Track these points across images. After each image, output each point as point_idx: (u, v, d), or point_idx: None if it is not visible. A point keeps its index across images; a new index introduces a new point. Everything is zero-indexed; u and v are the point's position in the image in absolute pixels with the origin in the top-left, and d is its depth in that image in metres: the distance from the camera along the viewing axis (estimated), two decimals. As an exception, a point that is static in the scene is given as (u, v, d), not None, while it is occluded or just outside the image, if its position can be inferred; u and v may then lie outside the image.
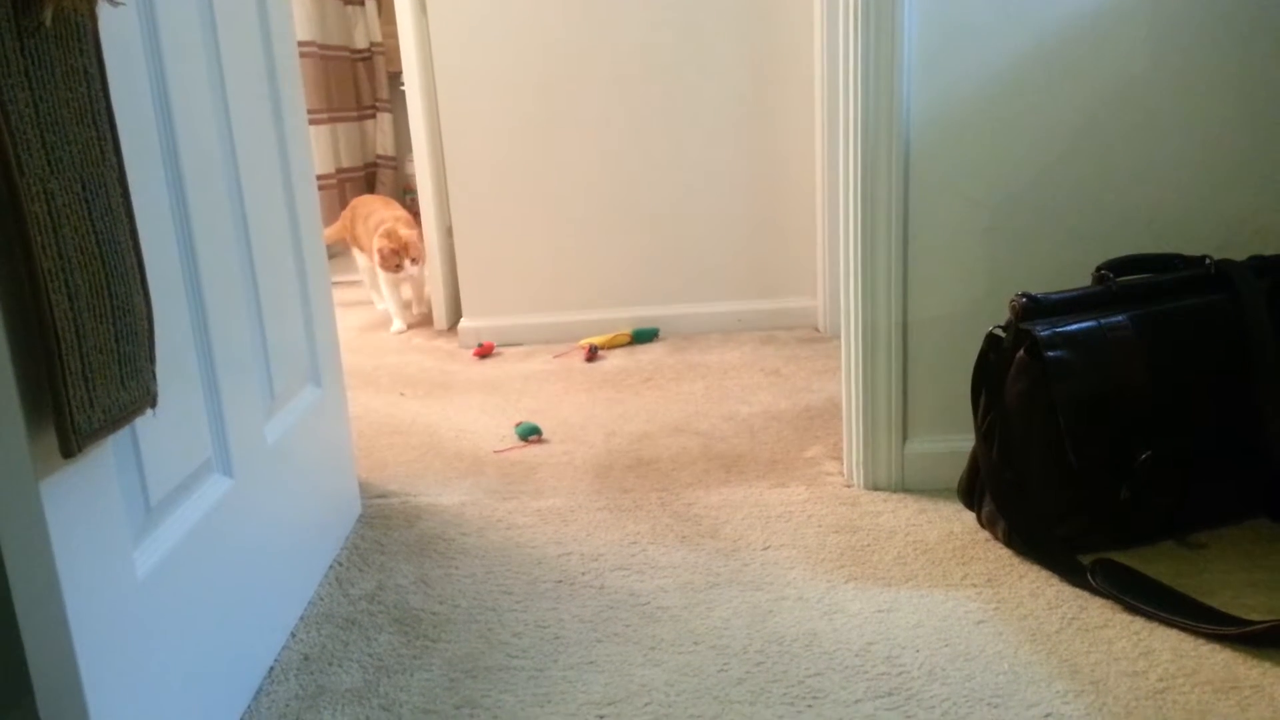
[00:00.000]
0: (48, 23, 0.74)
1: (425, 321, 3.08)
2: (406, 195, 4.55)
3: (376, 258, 2.93)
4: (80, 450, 0.80)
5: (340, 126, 4.30)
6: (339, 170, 4.28)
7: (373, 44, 4.46)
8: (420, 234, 2.95)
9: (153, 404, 0.92)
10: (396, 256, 2.91)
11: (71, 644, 0.84)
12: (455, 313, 3.06)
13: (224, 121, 1.24)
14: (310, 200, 1.54)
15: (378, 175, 4.60)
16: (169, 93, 1.07)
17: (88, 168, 0.81)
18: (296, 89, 1.50)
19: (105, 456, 0.90)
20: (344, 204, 4.28)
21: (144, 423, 0.98)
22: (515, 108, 2.72)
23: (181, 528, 1.05)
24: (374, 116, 4.55)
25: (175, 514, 1.06)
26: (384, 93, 4.53)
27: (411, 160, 4.03)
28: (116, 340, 0.84)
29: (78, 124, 0.80)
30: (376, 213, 3.05)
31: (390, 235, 2.93)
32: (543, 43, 2.68)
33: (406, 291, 3.14)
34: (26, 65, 0.74)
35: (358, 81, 4.46)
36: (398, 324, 2.99)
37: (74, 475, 0.85)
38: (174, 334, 1.06)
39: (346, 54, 4.37)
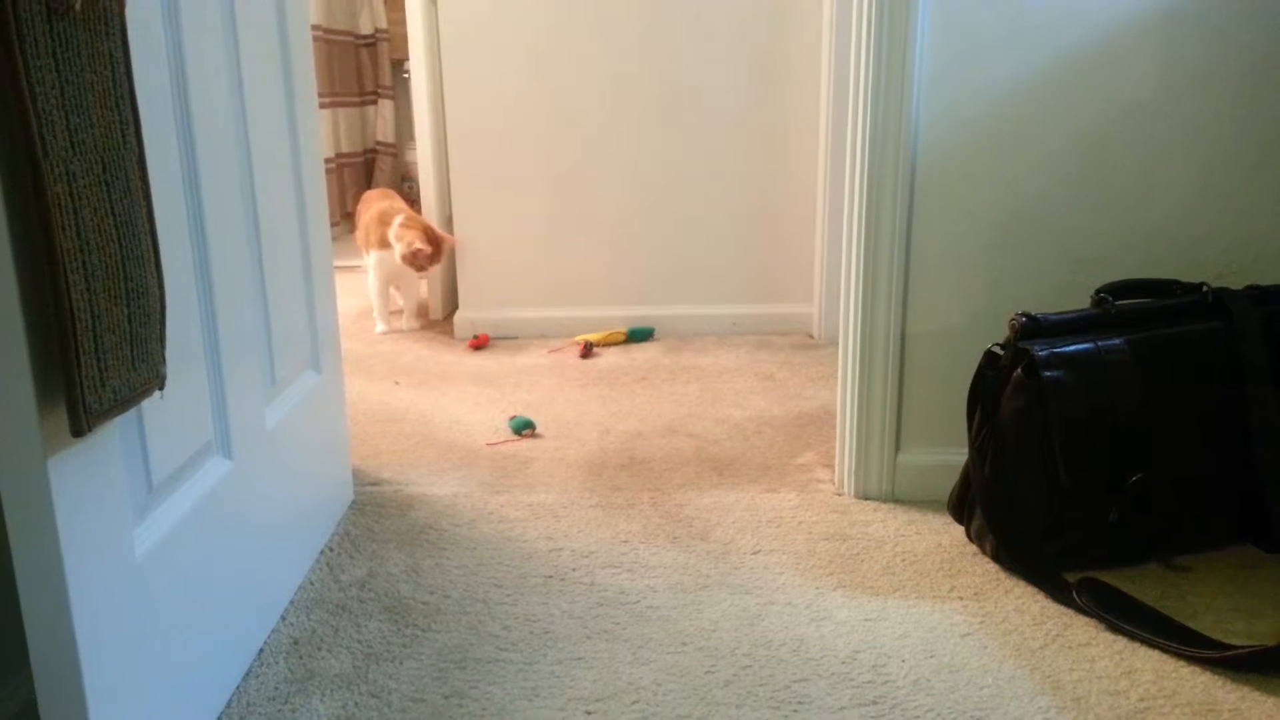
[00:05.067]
0: (77, 7, 0.75)
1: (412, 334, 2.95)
2: (405, 183, 4.55)
3: (400, 248, 2.74)
4: (90, 430, 0.81)
5: (341, 111, 4.30)
6: (338, 155, 4.27)
7: (377, 30, 4.45)
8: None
9: (161, 386, 0.92)
10: (431, 260, 2.77)
11: (70, 619, 0.85)
12: (451, 303, 3.06)
13: (238, 107, 1.24)
14: (318, 185, 1.54)
15: (377, 162, 4.59)
16: (187, 78, 1.07)
17: (109, 151, 0.82)
18: (309, 77, 1.50)
19: (111, 436, 0.91)
20: (341, 188, 4.28)
21: (149, 403, 0.98)
22: (519, 101, 2.72)
23: (181, 509, 1.06)
24: (375, 103, 4.55)
25: (175, 495, 1.06)
26: (386, 79, 4.52)
27: (412, 148, 4.01)
28: (129, 322, 0.85)
29: (101, 107, 0.81)
30: (375, 204, 3.00)
31: (427, 232, 2.76)
32: (549, 39, 2.68)
33: (397, 301, 3.00)
34: (54, 47, 0.75)
35: (360, 67, 4.45)
36: (381, 326, 2.89)
37: (81, 454, 0.86)
38: (181, 316, 1.06)
39: (351, 39, 4.36)
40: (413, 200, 3.73)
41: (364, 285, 3.16)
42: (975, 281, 1.60)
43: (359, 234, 3.03)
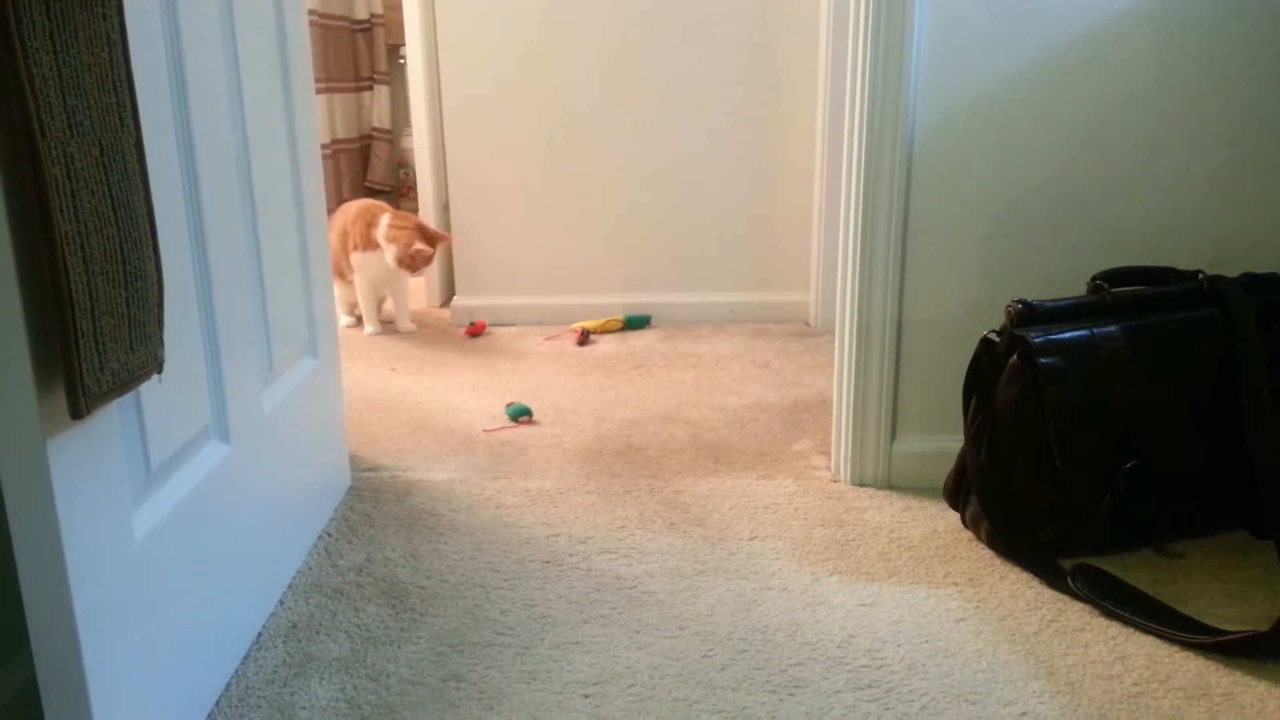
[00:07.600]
0: (76, -13, 0.75)
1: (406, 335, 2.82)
2: (401, 169, 4.53)
3: (394, 250, 2.59)
4: (88, 412, 0.81)
5: (337, 97, 4.28)
6: (334, 141, 4.26)
7: (373, 15, 4.43)
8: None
9: (159, 369, 0.92)
10: (429, 261, 2.64)
11: (71, 603, 0.85)
12: (448, 290, 3.06)
13: (236, 91, 1.24)
14: (314, 171, 1.54)
15: (373, 148, 4.57)
16: (184, 62, 1.07)
17: (107, 133, 0.82)
18: (305, 61, 1.50)
19: (110, 419, 0.91)
20: (337, 175, 4.27)
21: (147, 387, 0.98)
22: (516, 88, 2.72)
23: (179, 493, 1.06)
24: (371, 88, 4.53)
25: (173, 479, 1.06)
26: (382, 65, 4.50)
27: (408, 134, 3.99)
28: (128, 305, 0.85)
29: (99, 89, 0.81)
30: (352, 207, 2.79)
31: (422, 230, 2.62)
32: (547, 25, 2.67)
33: (388, 306, 2.85)
34: (52, 29, 0.75)
35: (356, 52, 4.43)
36: (370, 328, 2.74)
37: (79, 436, 0.86)
38: (179, 300, 1.06)
39: (346, 24, 4.34)
40: (409, 187, 3.71)
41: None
42: (971, 269, 1.61)
43: (333, 239, 2.76)
